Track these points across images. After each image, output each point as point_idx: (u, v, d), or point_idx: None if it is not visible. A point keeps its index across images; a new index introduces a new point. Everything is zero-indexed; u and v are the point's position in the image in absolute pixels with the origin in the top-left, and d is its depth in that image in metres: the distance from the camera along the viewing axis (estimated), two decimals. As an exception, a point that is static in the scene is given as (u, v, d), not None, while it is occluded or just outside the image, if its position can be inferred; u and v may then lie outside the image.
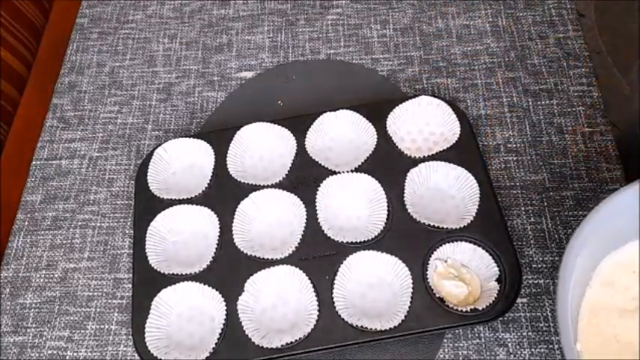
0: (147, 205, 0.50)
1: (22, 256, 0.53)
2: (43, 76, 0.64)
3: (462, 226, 0.46)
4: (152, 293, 0.45)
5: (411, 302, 0.43)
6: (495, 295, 0.43)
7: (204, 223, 0.49)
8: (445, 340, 0.45)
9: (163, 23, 0.65)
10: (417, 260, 0.45)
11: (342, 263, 0.45)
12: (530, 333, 0.45)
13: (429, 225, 0.46)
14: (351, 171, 0.49)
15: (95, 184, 0.56)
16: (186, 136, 0.53)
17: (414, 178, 0.49)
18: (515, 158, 0.52)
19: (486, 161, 0.51)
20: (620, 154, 0.51)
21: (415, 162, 0.49)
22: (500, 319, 0.44)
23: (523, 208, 0.50)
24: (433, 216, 0.47)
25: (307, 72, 0.60)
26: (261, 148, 0.53)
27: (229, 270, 0.46)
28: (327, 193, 0.49)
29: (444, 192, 0.49)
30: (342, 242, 0.46)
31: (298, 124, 0.52)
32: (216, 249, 0.47)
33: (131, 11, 0.66)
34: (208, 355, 0.43)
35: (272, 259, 0.46)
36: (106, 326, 0.49)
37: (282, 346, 0.42)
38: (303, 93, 0.58)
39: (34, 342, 0.49)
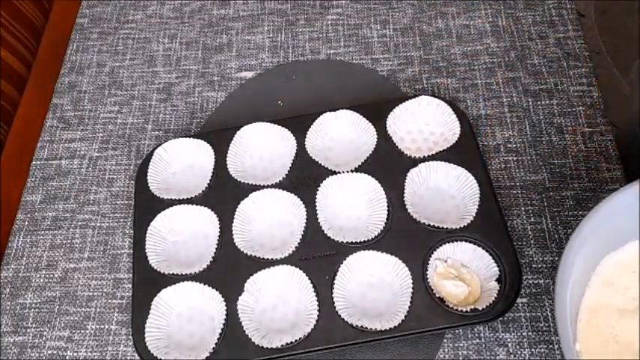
0: (147, 205, 0.50)
1: (22, 256, 0.53)
2: (43, 76, 0.64)
3: (462, 226, 0.46)
4: (152, 293, 0.45)
5: (411, 302, 0.43)
6: (495, 295, 0.43)
7: (204, 223, 0.49)
8: (445, 340, 0.45)
9: (163, 23, 0.65)
10: (417, 260, 0.45)
11: (342, 263, 0.45)
12: (530, 333, 0.45)
13: (429, 225, 0.46)
14: (351, 171, 0.49)
15: (95, 184, 0.56)
16: (186, 136, 0.53)
17: (414, 178, 0.49)
18: (515, 158, 0.52)
19: (486, 161, 0.52)
20: (620, 154, 0.51)
21: (415, 162, 0.49)
22: (500, 319, 0.44)
23: (523, 208, 0.50)
24: (433, 216, 0.47)
25: (307, 72, 0.60)
26: (261, 148, 0.53)
27: (229, 270, 0.46)
28: (327, 193, 0.49)
29: (444, 192, 0.49)
30: (342, 242, 0.46)
31: (298, 124, 0.52)
32: (216, 249, 0.47)
33: (131, 11, 0.66)
34: (208, 355, 0.43)
35: (272, 259, 0.46)
36: (106, 326, 0.49)
37: (282, 346, 0.42)
38: (303, 93, 0.58)
39: (34, 342, 0.49)
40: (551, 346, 0.44)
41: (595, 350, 0.36)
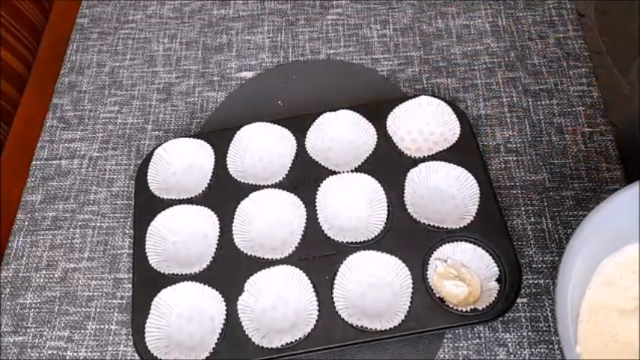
0: (147, 205, 0.50)
1: (22, 256, 0.53)
2: (43, 76, 0.64)
3: (462, 226, 0.46)
4: (152, 293, 0.45)
5: (411, 302, 0.43)
6: (495, 295, 0.43)
7: (204, 223, 0.49)
8: (445, 340, 0.45)
9: (163, 23, 0.65)
10: (417, 260, 0.45)
11: (342, 263, 0.45)
12: (530, 333, 0.45)
13: (429, 225, 0.46)
14: (351, 171, 0.49)
15: (95, 184, 0.56)
16: (186, 136, 0.53)
17: (414, 178, 0.49)
18: (515, 158, 0.52)
19: (486, 161, 0.51)
20: (620, 154, 0.51)
21: (415, 162, 0.49)
22: (500, 319, 0.44)
23: (523, 208, 0.50)
24: (433, 216, 0.47)
25: (307, 72, 0.60)
26: (261, 148, 0.53)
27: (229, 270, 0.46)
28: (327, 193, 0.49)
29: (444, 192, 0.49)
30: (342, 242, 0.46)
31: (298, 124, 0.52)
32: (216, 249, 0.47)
33: (131, 11, 0.66)
34: (208, 355, 0.43)
35: (272, 259, 0.46)
36: (106, 326, 0.49)
37: (282, 346, 0.42)
38: (303, 93, 0.58)
39: (34, 342, 0.49)
40: (551, 346, 0.44)
41: (595, 350, 0.36)
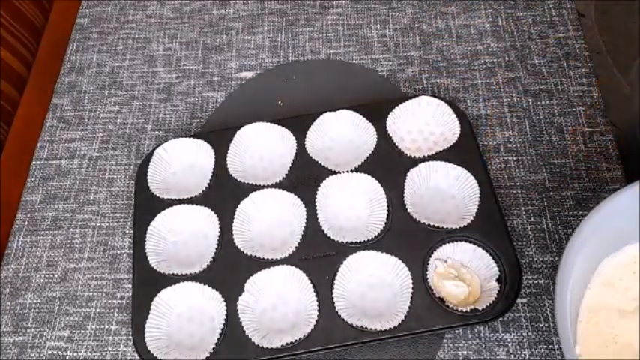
0: (147, 205, 0.50)
1: (22, 256, 0.53)
2: (43, 76, 0.64)
3: (462, 226, 0.46)
4: (152, 293, 0.45)
5: (411, 302, 0.43)
6: (495, 295, 0.43)
7: (204, 223, 0.49)
8: (445, 340, 0.45)
9: (163, 23, 0.65)
10: (417, 260, 0.45)
11: (342, 263, 0.45)
12: (530, 333, 0.45)
13: (429, 225, 0.46)
14: (351, 171, 0.49)
15: (95, 184, 0.56)
16: (186, 136, 0.53)
17: (414, 178, 0.49)
18: (515, 158, 0.52)
19: (486, 161, 0.51)
20: (620, 154, 0.51)
21: (415, 162, 0.49)
22: (500, 319, 0.44)
23: (523, 208, 0.50)
24: (433, 216, 0.47)
25: (307, 72, 0.60)
26: (261, 148, 0.53)
27: (229, 270, 0.46)
28: (327, 193, 0.49)
29: (444, 192, 0.49)
30: (342, 242, 0.46)
31: (298, 124, 0.52)
32: (216, 249, 0.47)
33: (131, 11, 0.66)
34: (208, 355, 0.43)
35: (272, 259, 0.46)
36: (106, 326, 0.49)
37: (282, 346, 0.42)
38: (303, 93, 0.58)
39: (34, 342, 0.49)
40: (551, 346, 0.44)
41: (595, 350, 0.36)
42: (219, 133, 0.53)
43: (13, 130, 0.61)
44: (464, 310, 0.42)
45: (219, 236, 0.48)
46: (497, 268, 0.44)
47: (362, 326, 0.42)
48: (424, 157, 0.49)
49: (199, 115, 0.58)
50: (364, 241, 0.46)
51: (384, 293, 0.45)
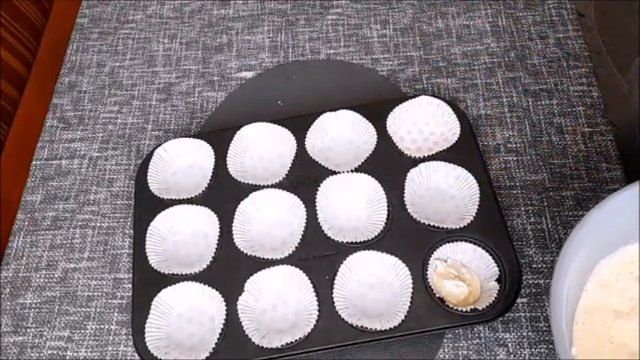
0: (147, 205, 0.50)
1: (22, 256, 0.53)
2: (43, 76, 0.64)
3: (462, 226, 0.46)
4: (152, 293, 0.45)
5: (411, 302, 0.43)
6: (495, 295, 0.43)
7: (204, 223, 0.49)
8: (445, 340, 0.45)
9: (163, 23, 0.65)
10: (417, 260, 0.45)
11: (342, 263, 0.45)
12: (530, 333, 0.45)
13: (429, 225, 0.46)
14: (351, 171, 0.49)
15: (95, 184, 0.56)
16: (186, 136, 0.53)
17: (414, 178, 0.49)
18: (515, 158, 0.52)
19: (486, 161, 0.51)
20: (620, 154, 0.51)
21: (415, 162, 0.49)
22: (500, 319, 0.44)
23: (523, 208, 0.50)
24: (433, 216, 0.47)
25: (307, 72, 0.60)
26: (261, 148, 0.53)
27: (229, 270, 0.46)
28: (327, 193, 0.49)
29: (444, 192, 0.49)
30: (342, 242, 0.46)
31: (298, 124, 0.52)
32: (216, 249, 0.47)
33: (131, 11, 0.66)
34: (208, 355, 0.43)
35: (272, 259, 0.46)
36: (106, 326, 0.49)
37: (282, 346, 0.42)
38: (303, 93, 0.58)
39: (34, 342, 0.49)
40: (551, 346, 0.44)
41: (590, 351, 0.36)
42: (219, 133, 0.53)
43: (13, 130, 0.61)
44: (464, 310, 0.42)
45: (219, 236, 0.48)
46: (497, 268, 0.44)
47: (362, 326, 0.42)
48: (424, 157, 0.49)
49: (199, 115, 0.58)
50: (364, 241, 0.46)
51: (384, 293, 0.45)
